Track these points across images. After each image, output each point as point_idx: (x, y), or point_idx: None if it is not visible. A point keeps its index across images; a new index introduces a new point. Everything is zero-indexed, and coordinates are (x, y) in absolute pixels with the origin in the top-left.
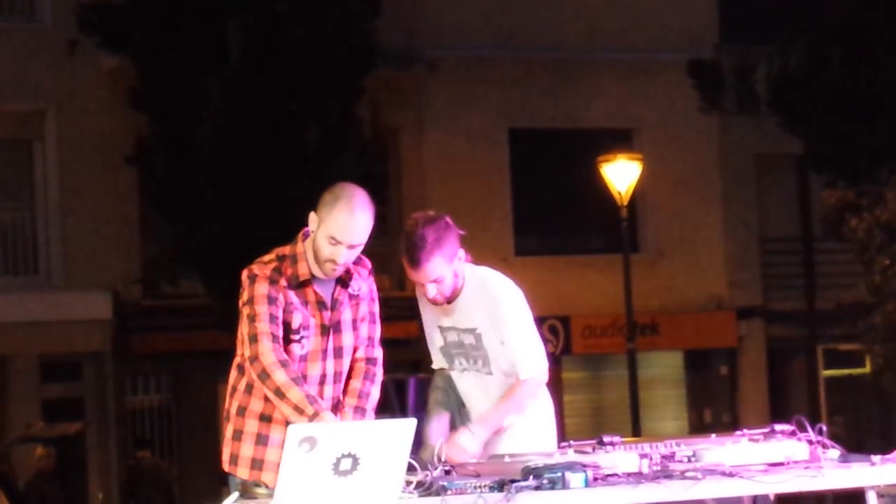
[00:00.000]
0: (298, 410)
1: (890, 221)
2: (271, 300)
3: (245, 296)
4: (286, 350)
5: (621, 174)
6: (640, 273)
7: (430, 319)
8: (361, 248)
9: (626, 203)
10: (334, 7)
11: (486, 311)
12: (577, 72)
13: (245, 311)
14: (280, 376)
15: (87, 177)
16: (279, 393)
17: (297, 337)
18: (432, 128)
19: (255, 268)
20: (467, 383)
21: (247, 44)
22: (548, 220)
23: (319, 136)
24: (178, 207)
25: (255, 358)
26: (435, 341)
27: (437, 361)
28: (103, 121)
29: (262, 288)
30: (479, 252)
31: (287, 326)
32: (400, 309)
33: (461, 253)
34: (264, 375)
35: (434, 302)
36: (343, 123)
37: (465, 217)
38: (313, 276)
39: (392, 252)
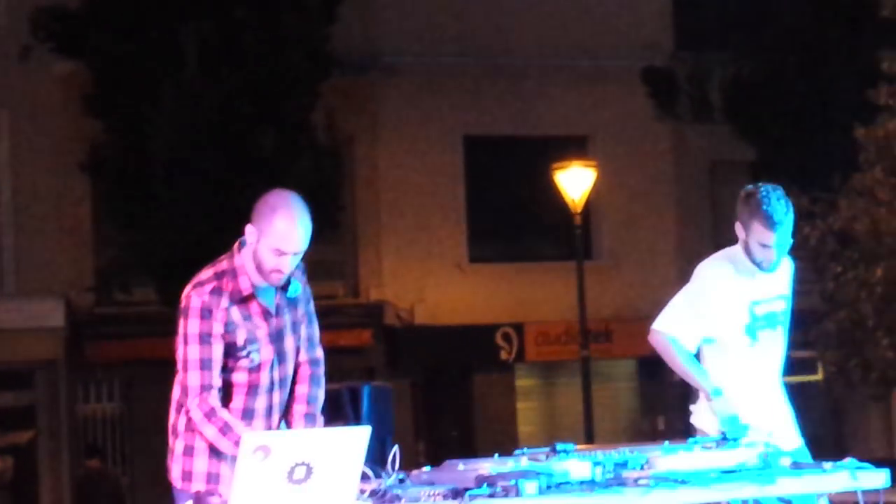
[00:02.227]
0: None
1: (843, 229)
2: (203, 339)
3: (179, 329)
4: (235, 368)
5: (575, 181)
6: (593, 280)
7: (739, 296)
8: (303, 251)
9: (580, 210)
10: (290, 14)
11: (788, 275)
12: (531, 79)
13: (178, 349)
14: (209, 431)
15: (39, 183)
16: (214, 443)
17: (244, 353)
18: (387, 134)
19: (192, 294)
20: (760, 355)
21: (203, 50)
22: (502, 228)
23: (275, 142)
24: (131, 214)
25: (187, 410)
26: (736, 320)
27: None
28: (57, 126)
29: (193, 326)
30: (434, 258)
31: (232, 346)
32: (354, 317)
33: None
34: (199, 428)
35: (768, 266)
36: (299, 130)
37: (419, 224)
38: (255, 288)
39: (346, 258)
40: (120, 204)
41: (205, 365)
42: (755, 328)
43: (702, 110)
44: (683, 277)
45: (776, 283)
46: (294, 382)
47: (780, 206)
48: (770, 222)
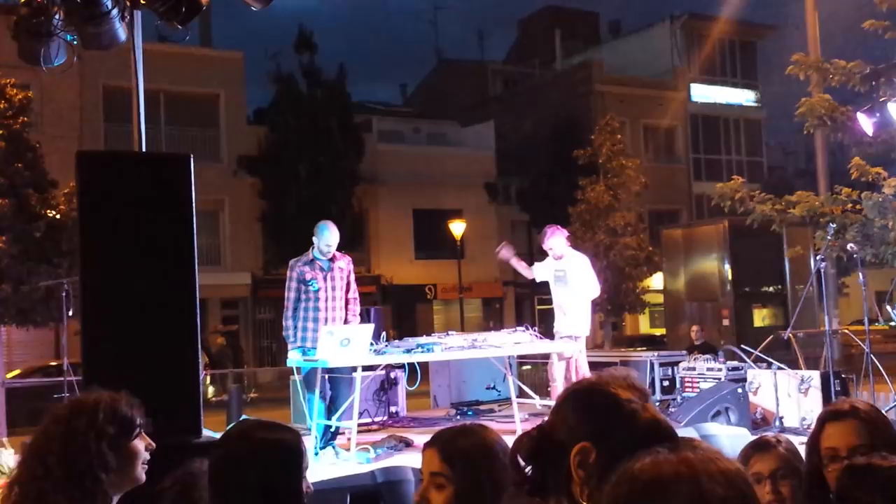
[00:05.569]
0: (284, 329)
1: None
2: (290, 279)
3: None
4: (307, 290)
5: (457, 228)
6: (465, 266)
7: (546, 270)
8: (337, 243)
9: (459, 239)
10: (342, 157)
11: (576, 263)
12: (439, 188)
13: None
14: (284, 324)
15: (241, 226)
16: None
17: (309, 284)
18: (383, 209)
19: (291, 262)
20: (561, 291)
21: (308, 172)
22: (429, 245)
23: (336, 211)
24: (279, 237)
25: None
26: (546, 277)
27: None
28: (248, 204)
29: (289, 273)
30: (399, 257)
31: (304, 281)
32: (368, 281)
33: (563, 240)
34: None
35: (554, 256)
36: (345, 208)
37: (395, 244)
38: (315, 259)
39: (364, 257)
40: (275, 234)
41: (288, 289)
42: (554, 281)
43: (507, 201)
44: (501, 267)
45: (561, 265)
46: (348, 305)
47: (547, 232)
48: (544, 241)
